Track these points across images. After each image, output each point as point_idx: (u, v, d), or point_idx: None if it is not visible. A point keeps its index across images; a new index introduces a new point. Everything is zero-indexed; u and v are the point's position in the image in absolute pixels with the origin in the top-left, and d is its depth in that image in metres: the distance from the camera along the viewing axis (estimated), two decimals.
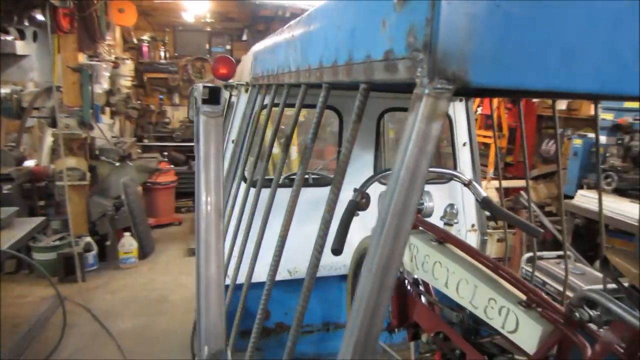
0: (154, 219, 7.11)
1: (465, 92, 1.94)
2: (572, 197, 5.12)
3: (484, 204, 1.80)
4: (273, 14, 7.79)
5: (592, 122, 6.03)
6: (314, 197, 2.41)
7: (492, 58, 0.53)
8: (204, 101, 0.73)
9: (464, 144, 2.75)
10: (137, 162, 6.69)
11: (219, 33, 8.69)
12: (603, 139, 4.90)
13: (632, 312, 0.96)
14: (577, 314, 1.09)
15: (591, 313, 1.07)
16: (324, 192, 2.64)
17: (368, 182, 1.79)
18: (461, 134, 2.73)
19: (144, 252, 6.04)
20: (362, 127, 2.39)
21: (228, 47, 8.82)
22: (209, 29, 8.53)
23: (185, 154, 8.29)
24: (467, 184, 1.84)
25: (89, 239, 5.56)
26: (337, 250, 1.78)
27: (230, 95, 2.73)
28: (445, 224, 1.76)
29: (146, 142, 8.28)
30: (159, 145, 8.22)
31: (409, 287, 1.67)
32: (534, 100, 6.42)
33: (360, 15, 0.74)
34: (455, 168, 2.76)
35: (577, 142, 5.21)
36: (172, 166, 7.63)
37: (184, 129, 8.63)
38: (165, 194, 7.37)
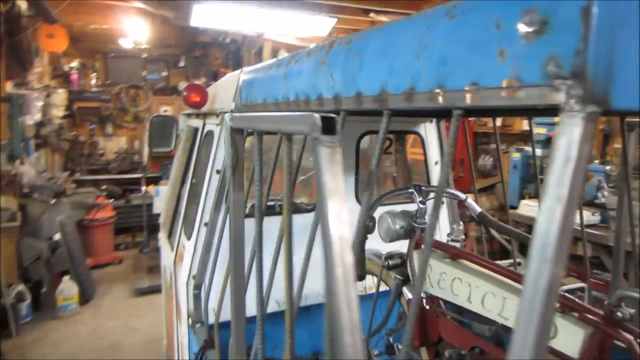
0: (92, 259, 6.65)
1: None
2: (515, 207, 5.49)
3: (480, 218, 1.90)
4: (212, 40, 7.75)
5: (525, 137, 6.56)
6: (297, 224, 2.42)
7: (632, 82, 0.59)
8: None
9: (436, 163, 2.89)
10: (73, 198, 6.26)
11: (154, 60, 8.46)
12: (539, 151, 5.34)
13: None
14: (619, 314, 1.19)
15: (631, 312, 1.17)
16: (304, 218, 2.65)
17: (374, 205, 1.82)
18: (433, 153, 2.86)
19: (86, 297, 5.61)
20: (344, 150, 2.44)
21: (164, 73, 8.60)
22: (145, 55, 8.28)
23: (122, 186, 7.88)
24: (463, 201, 1.93)
25: (21, 286, 5.09)
26: (361, 276, 1.79)
27: (204, 124, 2.67)
28: (452, 240, 1.83)
29: (79, 175, 7.78)
30: (93, 178, 7.75)
31: (426, 306, 1.71)
32: (470, 118, 6.88)
33: (456, 47, 0.78)
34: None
35: (516, 155, 5.64)
36: (110, 200, 7.22)
37: (120, 160, 8.22)
38: (103, 231, 6.94)
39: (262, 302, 1.30)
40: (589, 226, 4.56)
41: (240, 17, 5.62)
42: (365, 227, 1.70)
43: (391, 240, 1.89)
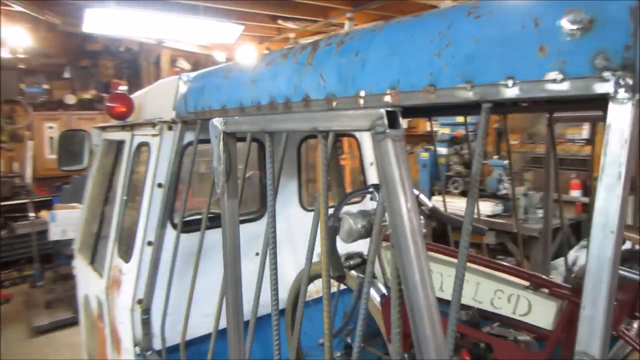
0: None
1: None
2: None
3: (432, 212, 2.02)
4: (103, 48, 7.21)
5: (429, 138, 7.05)
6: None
7: None
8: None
9: (371, 164, 3.00)
10: None
11: (32, 71, 7.62)
12: (445, 150, 5.80)
13: (632, 271, 1.23)
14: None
15: None
16: (251, 227, 2.59)
17: (340, 206, 1.85)
18: (368, 154, 2.98)
19: None
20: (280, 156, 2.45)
21: (46, 86, 7.78)
22: (22, 66, 7.40)
23: (2, 215, 6.98)
24: (417, 197, 2.04)
25: None
26: (341, 277, 1.79)
27: (133, 136, 2.49)
28: None
29: None
30: None
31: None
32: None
33: (486, 44, 0.84)
34: (365, 184, 3.01)
35: (424, 155, 6.05)
36: None
37: None
38: None
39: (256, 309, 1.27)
40: (493, 216, 5.04)
41: (138, 23, 5.31)
42: (334, 228, 1.72)
43: (353, 241, 1.94)
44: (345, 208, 1.60)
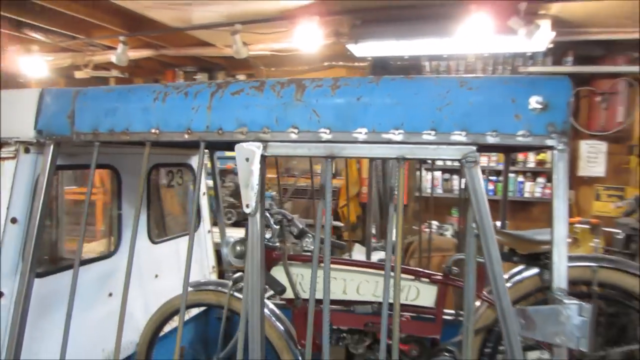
0: None
1: None
2: None
3: (299, 233, 2.40)
4: None
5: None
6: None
7: None
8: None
9: (204, 193, 3.17)
10: None
11: None
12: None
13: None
14: (455, 270, 1.99)
15: (457, 269, 1.99)
16: (102, 266, 2.39)
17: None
18: (202, 184, 3.13)
19: None
20: (131, 185, 2.45)
21: None
22: None
23: None
24: (291, 220, 2.40)
25: None
26: (283, 290, 1.94)
27: None
28: (305, 250, 2.27)
29: None
30: None
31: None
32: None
33: (478, 108, 1.36)
34: (198, 214, 3.14)
35: None
36: None
37: None
38: None
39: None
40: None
41: None
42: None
43: (239, 264, 2.19)
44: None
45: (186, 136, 1.60)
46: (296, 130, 1.50)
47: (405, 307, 2.02)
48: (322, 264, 2.00)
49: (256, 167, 1.43)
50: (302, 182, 6.15)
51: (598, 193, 5.41)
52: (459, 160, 1.29)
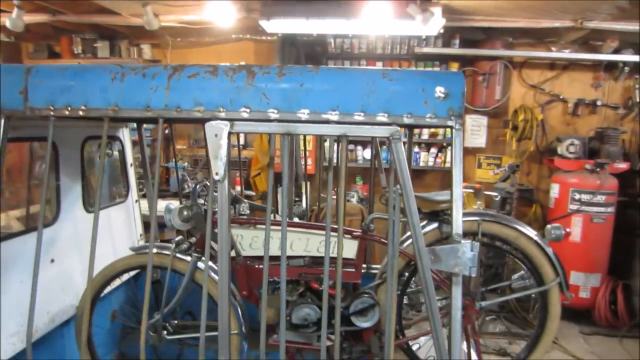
0: None
1: None
2: None
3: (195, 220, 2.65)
4: None
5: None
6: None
7: None
8: None
9: (131, 165, 3.28)
10: None
11: None
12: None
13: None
14: (370, 228, 2.41)
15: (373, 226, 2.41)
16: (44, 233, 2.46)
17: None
18: (129, 156, 3.23)
19: None
20: (67, 156, 2.56)
21: None
22: None
23: None
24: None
25: None
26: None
27: None
28: (240, 214, 2.55)
29: None
30: None
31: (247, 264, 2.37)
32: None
33: (396, 95, 1.73)
34: (127, 185, 3.26)
35: None
36: None
37: None
38: None
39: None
40: None
41: None
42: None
43: (184, 227, 2.43)
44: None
45: (147, 113, 1.79)
46: (248, 110, 1.77)
47: (332, 260, 2.40)
48: (262, 226, 2.33)
49: (224, 142, 1.68)
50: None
51: (480, 162, 6.26)
52: (387, 138, 1.65)
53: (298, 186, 4.78)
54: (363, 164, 6.15)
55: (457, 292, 1.71)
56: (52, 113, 1.85)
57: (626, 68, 5.60)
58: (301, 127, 1.73)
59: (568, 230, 2.61)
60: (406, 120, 1.74)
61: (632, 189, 5.53)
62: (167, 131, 4.75)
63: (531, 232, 2.48)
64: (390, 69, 1.85)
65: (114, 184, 3.40)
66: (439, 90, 1.72)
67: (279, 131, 1.73)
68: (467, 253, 1.65)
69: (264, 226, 2.34)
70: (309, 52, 5.94)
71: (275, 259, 2.48)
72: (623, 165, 5.31)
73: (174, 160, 3.90)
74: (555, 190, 5.41)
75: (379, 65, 5.89)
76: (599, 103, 5.81)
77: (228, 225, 1.75)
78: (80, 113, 1.84)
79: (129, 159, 3.24)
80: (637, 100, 5.64)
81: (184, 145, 6.64)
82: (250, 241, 2.44)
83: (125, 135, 3.19)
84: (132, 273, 3.02)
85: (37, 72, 1.86)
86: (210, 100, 1.79)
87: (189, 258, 2.48)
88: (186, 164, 5.98)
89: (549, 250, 2.45)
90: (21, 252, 2.26)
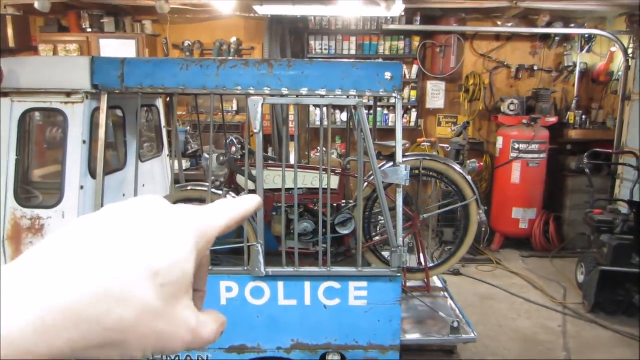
0: None
1: None
2: None
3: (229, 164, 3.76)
4: None
5: None
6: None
7: None
8: None
9: (163, 126, 4.32)
10: None
11: None
12: None
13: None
14: (348, 166, 3.55)
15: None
16: (117, 176, 3.53)
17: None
18: (162, 120, 4.28)
19: None
20: (130, 121, 3.61)
21: None
22: None
23: None
24: (242, 143, 3.75)
25: None
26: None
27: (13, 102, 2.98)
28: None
29: None
30: None
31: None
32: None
33: (362, 78, 2.84)
34: (162, 142, 4.31)
35: None
36: None
37: None
38: None
39: None
40: (187, 170, 6.82)
41: None
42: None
43: (219, 170, 3.53)
44: None
45: (204, 91, 2.86)
46: (269, 89, 2.86)
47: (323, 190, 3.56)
48: (273, 168, 3.43)
49: (259, 109, 2.77)
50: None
51: (440, 120, 7.44)
52: (355, 105, 2.78)
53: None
54: (341, 126, 7.27)
55: (399, 198, 2.89)
56: (141, 91, 2.90)
57: (557, 38, 6.80)
58: (303, 100, 2.83)
59: (482, 164, 3.80)
60: (368, 94, 2.87)
61: (561, 139, 6.83)
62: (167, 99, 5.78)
63: (456, 166, 3.67)
64: (357, 61, 2.97)
65: (152, 141, 4.46)
66: (387, 75, 2.85)
67: (290, 102, 2.83)
68: (403, 172, 2.82)
69: (274, 168, 3.50)
70: (293, 29, 6.95)
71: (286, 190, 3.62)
72: (553, 119, 6.57)
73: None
74: (499, 142, 6.66)
75: (352, 39, 6.95)
76: (535, 68, 7.02)
77: (261, 162, 2.87)
78: (160, 91, 2.90)
79: (162, 122, 4.28)
80: (566, 64, 6.86)
81: (184, 112, 7.63)
82: (272, 179, 3.57)
83: (160, 104, 4.23)
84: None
85: (129, 63, 2.89)
86: (245, 82, 2.88)
87: (220, 192, 3.60)
88: (188, 127, 6.99)
89: (469, 178, 3.64)
90: (107, 185, 3.33)
